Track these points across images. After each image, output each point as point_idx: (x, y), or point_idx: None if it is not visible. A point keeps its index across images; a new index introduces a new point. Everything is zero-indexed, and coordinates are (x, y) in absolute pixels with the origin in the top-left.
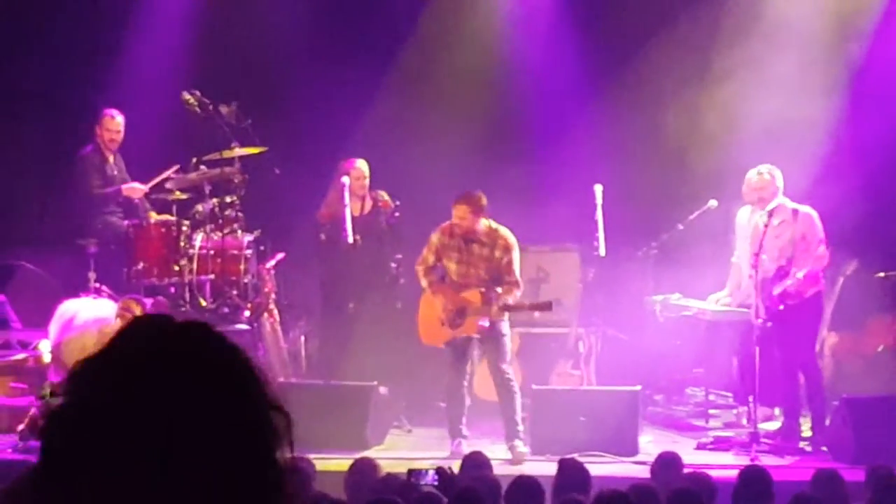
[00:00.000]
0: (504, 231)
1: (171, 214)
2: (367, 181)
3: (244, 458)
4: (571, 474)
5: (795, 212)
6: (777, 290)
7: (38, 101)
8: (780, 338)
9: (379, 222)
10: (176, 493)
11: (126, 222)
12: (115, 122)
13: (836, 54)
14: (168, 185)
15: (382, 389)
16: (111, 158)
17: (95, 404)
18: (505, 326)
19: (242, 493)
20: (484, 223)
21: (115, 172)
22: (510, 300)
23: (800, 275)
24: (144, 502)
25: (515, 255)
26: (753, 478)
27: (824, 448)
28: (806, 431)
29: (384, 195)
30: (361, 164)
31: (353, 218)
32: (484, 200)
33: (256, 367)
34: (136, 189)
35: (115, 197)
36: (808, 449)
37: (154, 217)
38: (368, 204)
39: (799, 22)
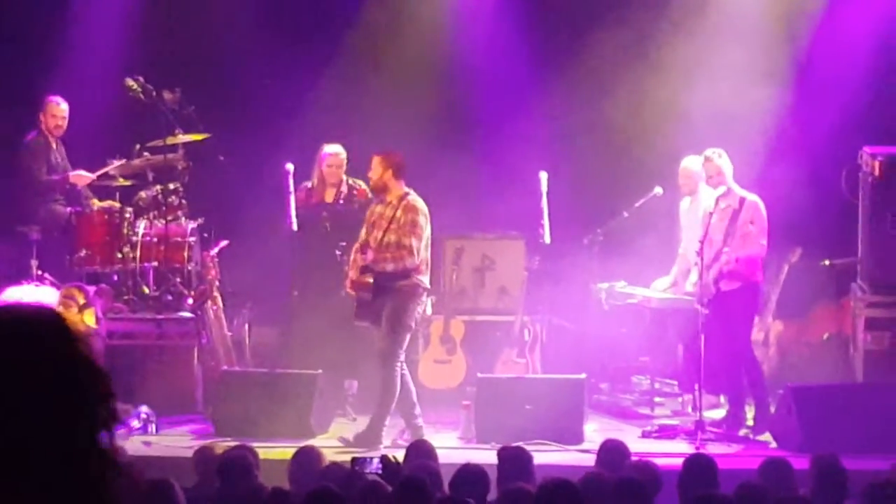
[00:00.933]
0: (415, 197)
1: (115, 201)
2: (340, 168)
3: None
4: (512, 463)
5: (742, 199)
6: (712, 274)
7: None
8: (717, 325)
9: (352, 211)
10: None
11: (69, 209)
12: (60, 108)
13: (781, 43)
14: (111, 172)
15: (323, 378)
16: (55, 145)
17: None
18: (396, 306)
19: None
20: (398, 188)
21: (59, 160)
22: (378, 261)
23: (733, 255)
24: None
25: (419, 220)
26: (698, 466)
27: (767, 436)
28: (751, 420)
29: (360, 183)
30: (339, 152)
31: (325, 205)
32: (398, 158)
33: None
34: (82, 177)
35: (61, 184)
36: (752, 437)
37: (97, 204)
38: (343, 191)
39: (744, 10)
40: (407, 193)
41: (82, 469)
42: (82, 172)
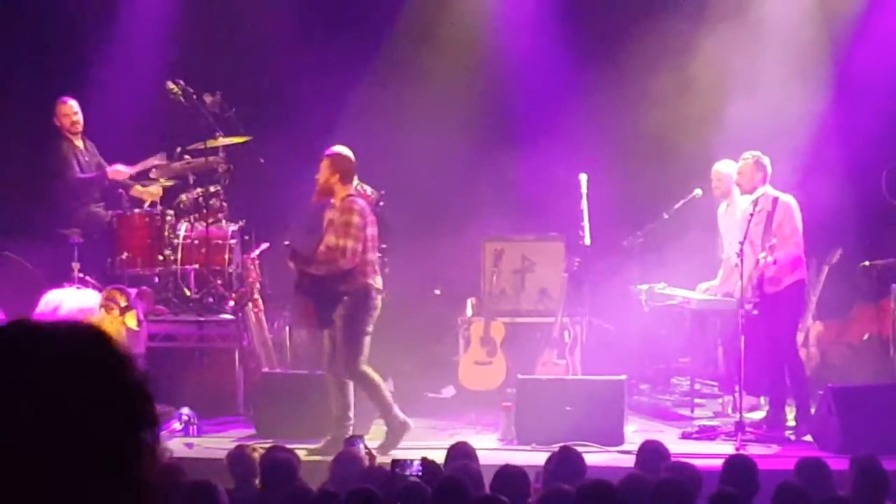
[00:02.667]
0: (354, 199)
1: (156, 204)
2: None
3: (91, 441)
4: (570, 463)
5: (775, 200)
6: (754, 278)
7: (22, 90)
8: (762, 327)
9: (376, 213)
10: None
11: (110, 212)
12: (68, 105)
13: (820, 46)
14: (152, 175)
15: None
16: (81, 145)
17: None
18: (346, 313)
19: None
20: (343, 191)
21: (87, 158)
22: (307, 262)
23: (769, 258)
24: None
25: (353, 220)
26: (738, 466)
27: (808, 437)
28: (791, 421)
29: (366, 187)
30: (348, 152)
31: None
32: (347, 162)
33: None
34: (120, 172)
35: (99, 181)
36: (793, 438)
37: (139, 189)
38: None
39: (783, 13)
40: (349, 195)
41: (127, 471)
42: (120, 167)
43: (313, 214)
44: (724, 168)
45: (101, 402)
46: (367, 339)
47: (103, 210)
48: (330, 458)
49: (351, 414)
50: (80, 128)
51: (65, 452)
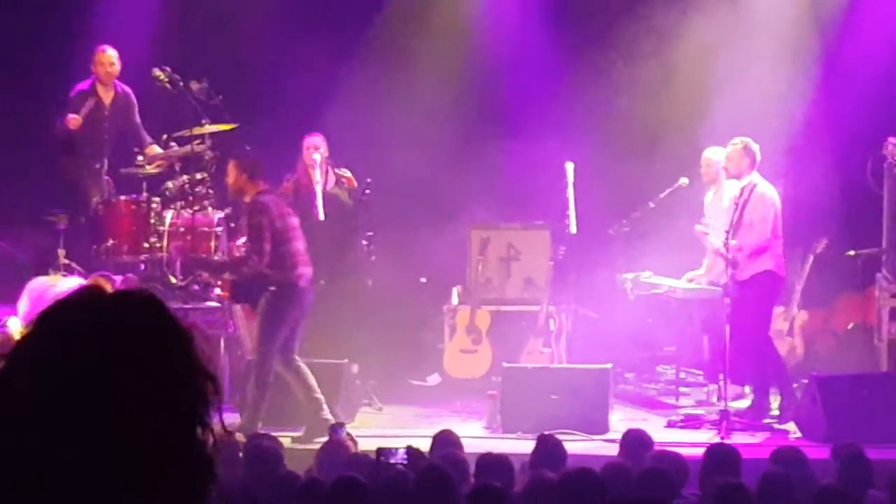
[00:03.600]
0: (255, 199)
1: (141, 191)
2: (317, 154)
3: (165, 418)
4: (549, 451)
5: (751, 189)
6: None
7: (8, 77)
8: (738, 315)
9: (340, 198)
10: (104, 453)
11: (95, 199)
12: (107, 55)
13: (807, 34)
14: (138, 161)
15: (353, 367)
16: (108, 98)
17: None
18: (265, 305)
19: (168, 453)
20: (253, 190)
21: (108, 113)
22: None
23: (732, 242)
24: (73, 464)
25: (255, 220)
26: (721, 455)
27: (792, 425)
28: (776, 410)
29: (346, 172)
30: (313, 138)
31: (323, 193)
32: (252, 161)
33: (181, 330)
34: (155, 151)
35: (62, 126)
36: (776, 426)
37: (154, 150)
38: (332, 180)
39: (771, 1)
40: (257, 194)
41: (198, 446)
42: (156, 147)
43: (305, 202)
44: (713, 154)
45: (179, 375)
46: (279, 330)
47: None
48: (312, 446)
49: (318, 395)
50: (112, 78)
51: (144, 421)
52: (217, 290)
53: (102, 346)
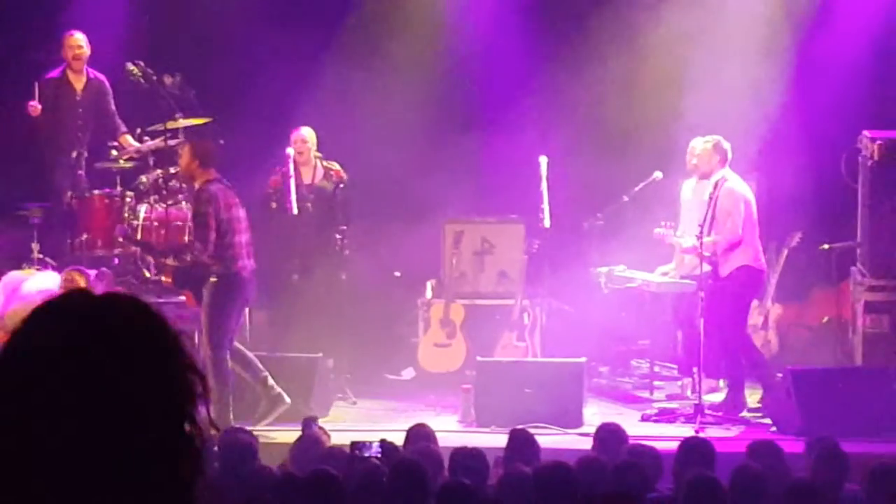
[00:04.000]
0: (204, 187)
1: (115, 185)
2: (308, 147)
3: (156, 417)
4: (521, 444)
5: (722, 182)
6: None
7: None
8: (712, 309)
9: (328, 191)
10: (92, 453)
11: (69, 193)
12: (75, 38)
13: (781, 26)
14: (111, 155)
15: (328, 361)
16: (79, 85)
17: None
18: (209, 298)
19: (159, 449)
20: (203, 176)
21: (80, 99)
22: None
23: (707, 239)
24: (57, 468)
25: (201, 209)
26: (694, 448)
27: (764, 419)
28: (754, 403)
29: (335, 165)
30: (303, 131)
31: (305, 186)
32: (206, 147)
33: (169, 330)
34: (129, 142)
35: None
36: (752, 420)
37: (128, 140)
38: (320, 172)
39: None
40: (206, 182)
41: (187, 441)
42: (129, 138)
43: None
44: (700, 145)
45: (166, 375)
46: (227, 321)
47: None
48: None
49: (264, 372)
50: (82, 64)
51: (130, 424)
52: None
53: (93, 346)
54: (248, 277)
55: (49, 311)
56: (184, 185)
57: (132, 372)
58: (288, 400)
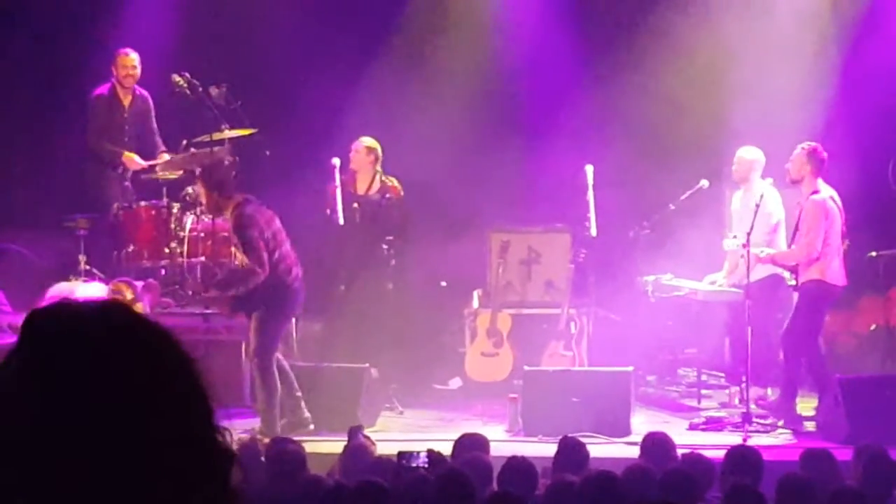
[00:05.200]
0: (240, 212)
1: (161, 196)
2: (360, 157)
3: (172, 434)
4: (571, 453)
5: (809, 196)
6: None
7: (29, 82)
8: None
9: (381, 205)
10: (104, 473)
11: (115, 204)
12: (130, 58)
13: (830, 35)
14: (159, 169)
15: (373, 371)
16: (126, 101)
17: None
18: (263, 311)
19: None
20: (228, 204)
21: (128, 116)
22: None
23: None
24: (71, 482)
25: (247, 233)
26: (741, 457)
27: (810, 428)
28: (809, 411)
29: (393, 181)
30: (359, 141)
31: (357, 196)
32: (217, 173)
33: (175, 343)
34: (134, 161)
35: (112, 159)
36: (801, 429)
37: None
38: (376, 185)
39: (791, 3)
40: (237, 204)
41: (210, 455)
42: (135, 157)
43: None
44: (746, 154)
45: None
46: (279, 330)
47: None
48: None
49: (298, 393)
50: (133, 81)
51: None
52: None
53: (93, 359)
54: (299, 287)
55: (46, 325)
56: None
57: (141, 380)
58: (312, 427)
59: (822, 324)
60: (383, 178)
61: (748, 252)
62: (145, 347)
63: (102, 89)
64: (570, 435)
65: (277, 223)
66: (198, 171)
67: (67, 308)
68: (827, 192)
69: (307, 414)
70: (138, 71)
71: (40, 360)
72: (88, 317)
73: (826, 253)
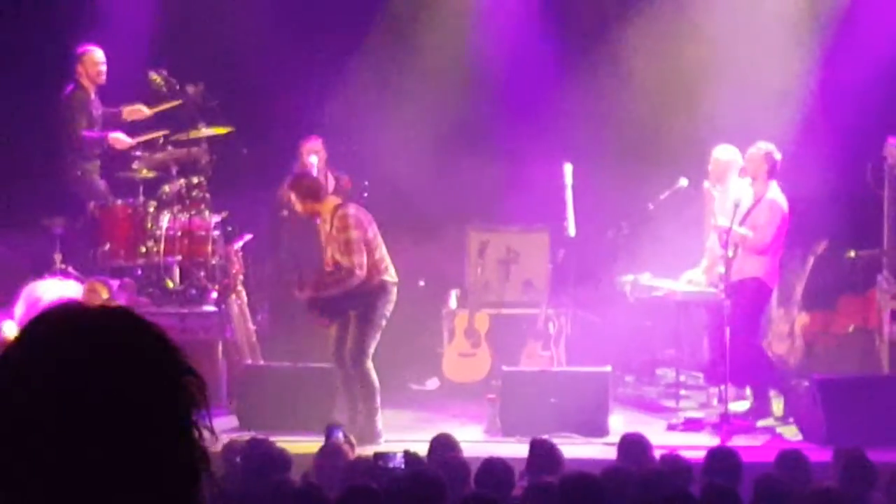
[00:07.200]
0: (344, 213)
1: (138, 195)
2: (314, 157)
3: (156, 426)
4: (543, 455)
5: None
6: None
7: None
8: (737, 317)
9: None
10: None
11: (92, 203)
12: (98, 55)
13: (807, 34)
14: (134, 165)
15: None
16: (93, 95)
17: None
18: (364, 313)
19: (161, 457)
20: (330, 202)
21: (99, 112)
22: (319, 288)
23: (741, 230)
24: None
25: (351, 235)
26: (722, 458)
27: (793, 428)
28: (780, 412)
29: (344, 176)
30: (311, 143)
31: None
32: (306, 182)
33: (164, 340)
34: (121, 140)
35: (100, 143)
36: (778, 429)
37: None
38: (330, 183)
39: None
40: (337, 206)
41: (189, 449)
42: (121, 136)
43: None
44: (722, 154)
45: (165, 385)
46: (377, 334)
47: (98, 178)
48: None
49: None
50: (103, 78)
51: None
52: (213, 295)
53: (89, 359)
54: (391, 288)
55: (41, 327)
56: (207, 195)
57: (129, 383)
58: (382, 441)
59: (761, 323)
60: (334, 173)
61: (727, 250)
62: (141, 354)
63: (70, 88)
64: (541, 437)
65: (375, 226)
66: (287, 182)
67: (67, 311)
68: (782, 195)
69: (379, 429)
70: (105, 66)
71: (30, 360)
72: (88, 320)
73: (775, 252)
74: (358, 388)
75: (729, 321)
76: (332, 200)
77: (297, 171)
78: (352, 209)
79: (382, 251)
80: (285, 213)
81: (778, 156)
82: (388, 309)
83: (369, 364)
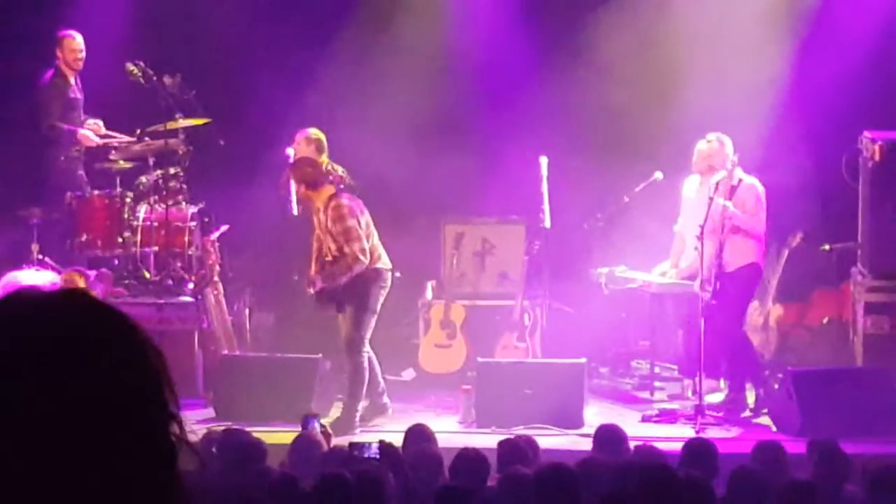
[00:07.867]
0: (338, 203)
1: (115, 186)
2: (304, 148)
3: (127, 415)
4: (512, 453)
5: (738, 182)
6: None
7: None
8: (716, 309)
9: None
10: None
11: (69, 193)
12: (77, 41)
13: (783, 26)
14: (111, 156)
15: (326, 364)
16: (73, 81)
17: None
18: (361, 300)
19: (127, 453)
20: (324, 192)
21: (79, 95)
22: (328, 279)
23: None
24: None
25: (349, 224)
26: (698, 450)
27: (767, 420)
28: (752, 402)
29: (338, 168)
30: (303, 131)
31: None
32: (306, 166)
33: (127, 324)
34: (89, 138)
35: (69, 137)
36: (752, 421)
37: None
38: None
39: None
40: (331, 196)
41: (161, 440)
42: (90, 134)
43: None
44: (706, 146)
45: (134, 372)
46: (373, 321)
47: (80, 168)
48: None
49: (384, 387)
50: (81, 64)
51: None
52: (190, 285)
53: (54, 347)
54: (386, 275)
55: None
56: (184, 186)
57: (99, 371)
58: (390, 411)
59: (747, 309)
60: (331, 167)
61: (702, 243)
62: (103, 335)
63: (49, 74)
64: (509, 437)
65: (367, 213)
66: (289, 161)
67: (26, 295)
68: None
69: (386, 400)
70: (84, 53)
71: None
72: (46, 304)
73: (765, 234)
74: (346, 377)
75: (718, 311)
76: (327, 191)
77: (300, 157)
78: (345, 198)
79: (375, 239)
80: (295, 212)
81: (729, 141)
82: (383, 295)
83: (364, 352)
